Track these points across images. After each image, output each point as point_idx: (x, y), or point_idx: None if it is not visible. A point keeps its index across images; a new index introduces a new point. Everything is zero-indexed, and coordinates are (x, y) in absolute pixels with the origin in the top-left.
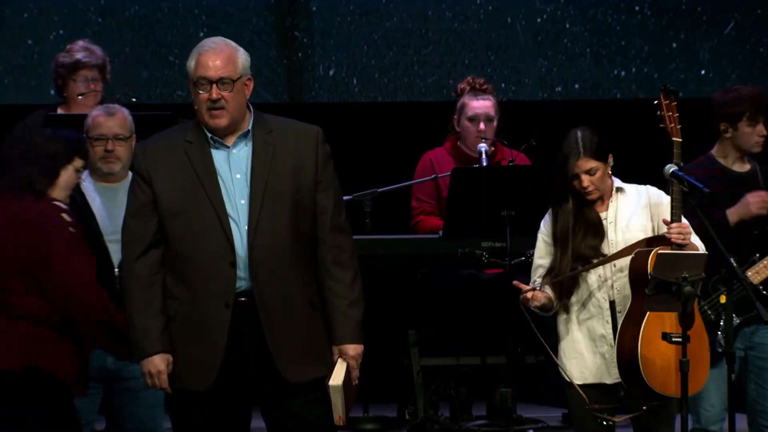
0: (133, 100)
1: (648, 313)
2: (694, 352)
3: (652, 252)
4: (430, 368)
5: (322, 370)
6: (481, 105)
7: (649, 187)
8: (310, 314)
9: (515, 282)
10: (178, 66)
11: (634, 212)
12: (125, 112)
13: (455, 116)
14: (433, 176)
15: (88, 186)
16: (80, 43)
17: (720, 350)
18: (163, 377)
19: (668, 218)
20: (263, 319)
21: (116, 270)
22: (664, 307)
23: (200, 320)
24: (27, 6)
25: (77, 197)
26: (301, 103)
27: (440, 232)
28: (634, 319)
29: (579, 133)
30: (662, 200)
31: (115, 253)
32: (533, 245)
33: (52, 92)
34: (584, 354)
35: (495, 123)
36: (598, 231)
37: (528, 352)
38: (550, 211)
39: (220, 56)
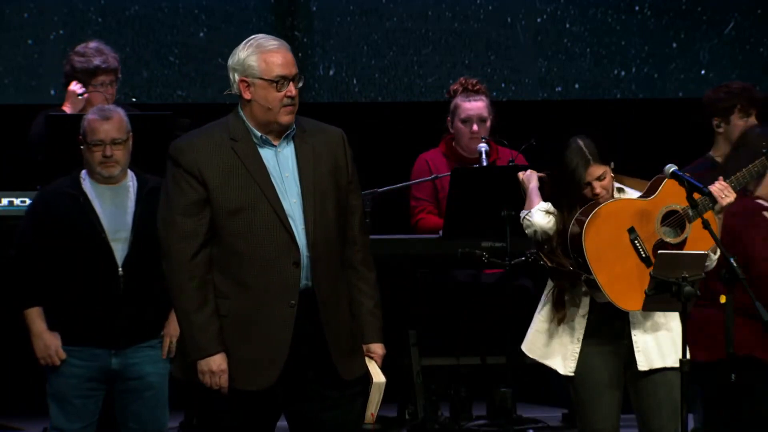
0: (133, 100)
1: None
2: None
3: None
4: (430, 368)
5: (365, 366)
6: (474, 106)
7: None
8: (350, 312)
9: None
10: (178, 66)
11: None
12: (121, 113)
13: (448, 117)
14: (432, 176)
15: (88, 186)
16: (92, 45)
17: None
18: (225, 377)
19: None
20: (322, 317)
21: (120, 269)
22: (664, 307)
23: (261, 320)
24: (27, 6)
25: (80, 197)
26: (301, 103)
27: (440, 232)
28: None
29: (581, 142)
30: None
31: (118, 252)
32: (533, 245)
33: (53, 92)
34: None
35: (488, 123)
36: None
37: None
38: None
39: (289, 54)
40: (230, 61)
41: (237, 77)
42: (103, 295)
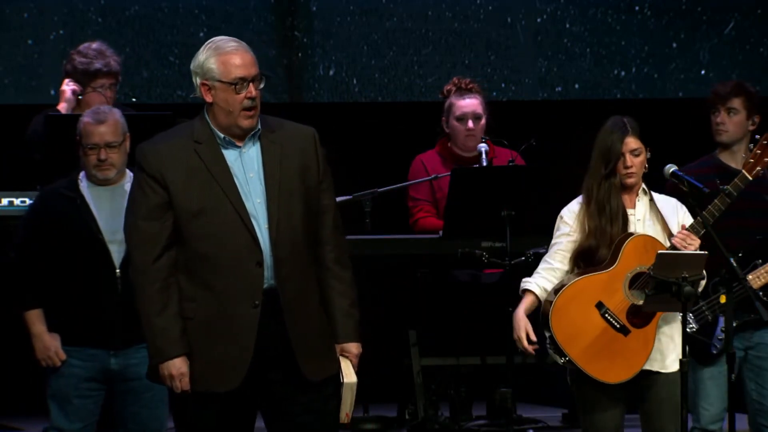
0: (133, 100)
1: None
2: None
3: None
4: (430, 368)
5: (335, 367)
6: (468, 103)
7: (682, 206)
8: (321, 312)
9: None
10: (178, 66)
11: (665, 221)
12: (116, 114)
13: (443, 117)
14: (432, 176)
15: (86, 187)
16: (95, 46)
17: (715, 351)
18: (185, 380)
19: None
20: (286, 317)
21: (117, 271)
22: (664, 307)
23: (225, 321)
24: (27, 6)
25: (77, 198)
26: (301, 103)
27: (440, 232)
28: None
29: (623, 118)
30: (687, 220)
31: (116, 253)
32: (533, 245)
33: (53, 92)
34: None
35: (483, 121)
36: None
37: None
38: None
39: (247, 55)
40: (192, 65)
41: (198, 81)
42: (102, 297)
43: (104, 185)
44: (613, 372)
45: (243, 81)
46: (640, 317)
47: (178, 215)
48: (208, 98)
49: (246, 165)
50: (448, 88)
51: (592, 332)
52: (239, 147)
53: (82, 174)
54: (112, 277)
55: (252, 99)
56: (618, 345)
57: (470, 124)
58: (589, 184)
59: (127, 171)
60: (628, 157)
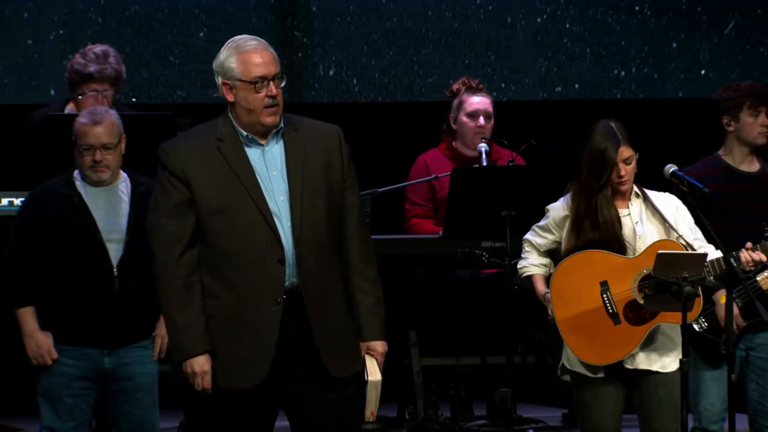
0: (133, 100)
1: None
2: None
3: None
4: (430, 368)
5: (360, 365)
6: (481, 101)
7: (678, 201)
8: (345, 310)
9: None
10: (178, 66)
11: (664, 218)
12: (113, 116)
13: (451, 114)
14: (432, 176)
15: (82, 186)
16: (98, 50)
17: (724, 352)
18: (207, 378)
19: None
20: (310, 314)
21: (115, 270)
22: (663, 307)
23: (248, 318)
24: (27, 6)
25: (74, 196)
26: (301, 103)
27: (440, 233)
28: None
29: (612, 123)
30: (686, 217)
31: (113, 252)
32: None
33: (53, 92)
34: None
35: (492, 121)
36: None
37: (528, 352)
38: (573, 196)
39: (267, 53)
40: (214, 64)
41: (220, 80)
42: (99, 296)
43: (99, 186)
44: (586, 350)
45: (263, 80)
46: (636, 315)
47: (201, 213)
48: (230, 97)
49: (269, 163)
50: (457, 86)
51: (585, 305)
52: (262, 145)
53: (77, 172)
54: (110, 277)
55: (273, 97)
56: (603, 328)
57: (481, 121)
58: (580, 197)
59: (122, 172)
60: (621, 166)
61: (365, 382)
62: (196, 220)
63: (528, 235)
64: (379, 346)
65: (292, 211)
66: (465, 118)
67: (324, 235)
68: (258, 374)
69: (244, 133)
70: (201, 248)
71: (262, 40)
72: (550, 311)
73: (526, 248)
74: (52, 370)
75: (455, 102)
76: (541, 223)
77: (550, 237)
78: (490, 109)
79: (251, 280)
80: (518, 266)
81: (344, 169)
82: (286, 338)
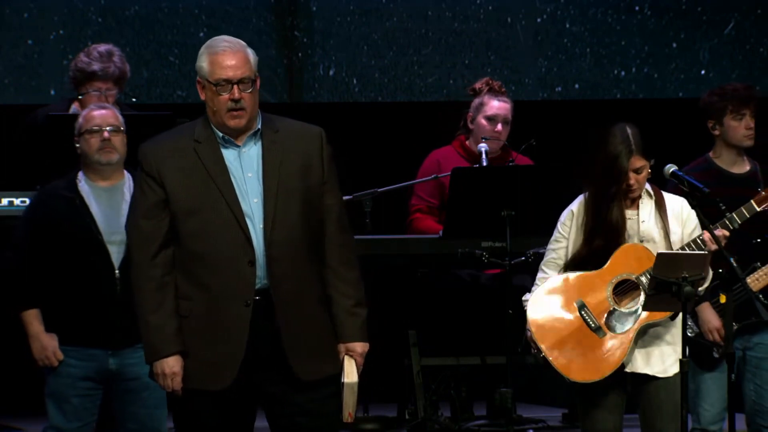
0: (133, 100)
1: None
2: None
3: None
4: (430, 368)
5: (335, 367)
6: (502, 106)
7: (685, 203)
8: (321, 312)
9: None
10: (178, 66)
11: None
12: (116, 110)
13: (469, 113)
14: (432, 176)
15: (84, 188)
16: (103, 48)
17: (717, 356)
18: (177, 379)
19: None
20: (279, 317)
21: (116, 271)
22: (664, 307)
23: (218, 320)
24: (27, 6)
25: (75, 198)
26: (301, 103)
27: (440, 233)
28: None
29: (629, 130)
30: (691, 218)
31: (115, 254)
32: (533, 245)
33: (53, 92)
34: None
35: (509, 126)
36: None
37: (528, 352)
38: (583, 202)
39: (236, 56)
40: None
41: (197, 78)
42: (101, 297)
43: (103, 180)
44: (579, 369)
45: (227, 83)
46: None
47: (174, 214)
48: (202, 96)
49: (245, 164)
50: (479, 86)
51: (567, 328)
52: (239, 146)
53: (80, 174)
54: (111, 278)
55: (236, 101)
56: (590, 344)
57: (499, 126)
58: (592, 205)
59: (126, 172)
60: (632, 175)
61: (342, 384)
62: (171, 221)
63: (542, 263)
64: (358, 347)
65: (265, 212)
66: (483, 121)
67: (299, 237)
68: (228, 376)
69: (220, 134)
70: (175, 249)
71: (239, 42)
72: (533, 347)
73: (537, 281)
74: (58, 371)
75: (475, 102)
76: (552, 237)
77: (563, 242)
78: (510, 115)
79: (222, 282)
80: (523, 298)
81: (324, 171)
82: (256, 340)
